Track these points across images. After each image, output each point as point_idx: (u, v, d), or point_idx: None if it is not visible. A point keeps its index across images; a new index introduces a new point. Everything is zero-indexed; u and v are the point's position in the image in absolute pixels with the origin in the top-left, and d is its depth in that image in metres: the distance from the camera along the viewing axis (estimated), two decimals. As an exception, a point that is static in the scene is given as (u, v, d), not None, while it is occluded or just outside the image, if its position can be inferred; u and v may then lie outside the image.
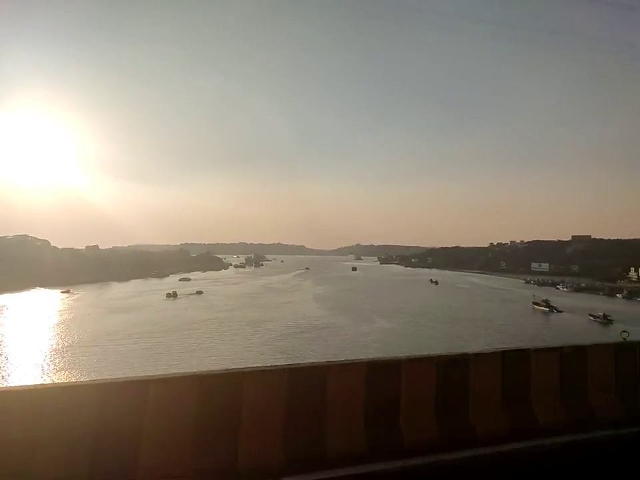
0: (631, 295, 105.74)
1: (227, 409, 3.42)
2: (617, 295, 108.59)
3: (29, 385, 3.35)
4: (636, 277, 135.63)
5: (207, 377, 3.51)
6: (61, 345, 53.09)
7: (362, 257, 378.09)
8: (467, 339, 57.23)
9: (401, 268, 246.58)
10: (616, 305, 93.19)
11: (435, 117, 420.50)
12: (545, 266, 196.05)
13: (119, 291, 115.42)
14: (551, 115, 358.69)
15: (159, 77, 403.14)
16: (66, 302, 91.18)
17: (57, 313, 75.69)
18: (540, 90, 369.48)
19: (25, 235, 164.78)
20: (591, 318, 73.06)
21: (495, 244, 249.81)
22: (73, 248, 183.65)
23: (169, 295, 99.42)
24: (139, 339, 55.56)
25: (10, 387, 3.82)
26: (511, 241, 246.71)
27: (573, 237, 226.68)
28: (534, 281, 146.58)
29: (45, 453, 3.01)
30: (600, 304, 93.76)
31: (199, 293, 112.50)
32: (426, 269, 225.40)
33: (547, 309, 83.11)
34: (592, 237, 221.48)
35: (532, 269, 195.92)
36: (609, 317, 70.98)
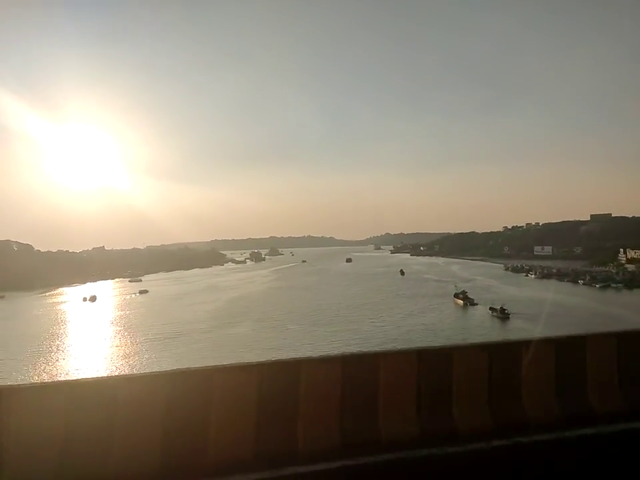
0: (592, 281, 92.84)
1: (285, 395, 3.58)
2: (579, 282, 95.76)
3: (102, 377, 3.55)
4: (625, 259, 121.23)
5: (266, 365, 3.65)
6: None
7: (382, 247, 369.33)
8: (294, 346, 49.91)
9: (406, 257, 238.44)
10: (563, 295, 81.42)
11: (470, 98, 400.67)
12: (548, 249, 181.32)
13: (56, 295, 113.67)
14: (588, 91, 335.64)
15: (198, 77, 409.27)
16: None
17: None
18: (572, 67, 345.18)
19: (8, 240, 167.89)
20: (489, 312, 63.63)
21: (510, 227, 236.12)
22: (68, 251, 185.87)
23: (85, 299, 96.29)
24: None
25: (85, 378, 3.75)
26: (526, 224, 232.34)
27: (591, 215, 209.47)
28: (512, 268, 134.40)
29: (119, 443, 3.18)
30: (547, 293, 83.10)
31: (143, 292, 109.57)
32: (433, 257, 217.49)
33: (463, 302, 73.84)
34: (612, 215, 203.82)
35: (535, 252, 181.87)
36: (506, 311, 61.43)
